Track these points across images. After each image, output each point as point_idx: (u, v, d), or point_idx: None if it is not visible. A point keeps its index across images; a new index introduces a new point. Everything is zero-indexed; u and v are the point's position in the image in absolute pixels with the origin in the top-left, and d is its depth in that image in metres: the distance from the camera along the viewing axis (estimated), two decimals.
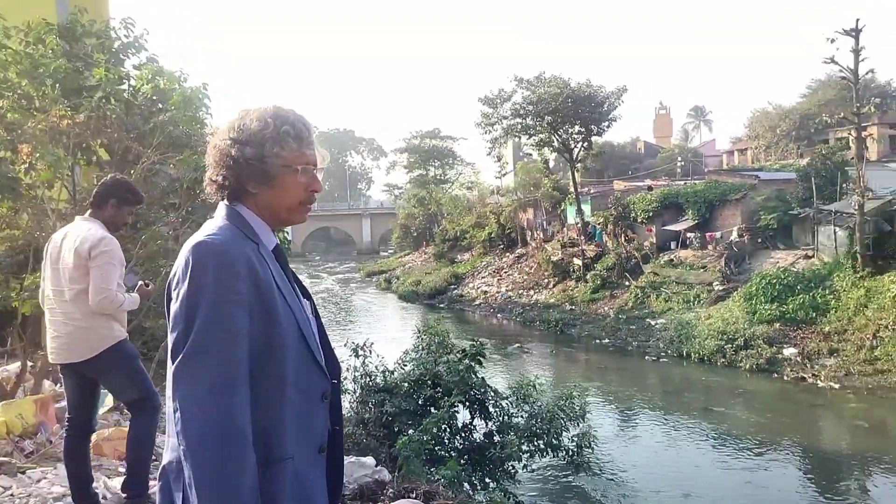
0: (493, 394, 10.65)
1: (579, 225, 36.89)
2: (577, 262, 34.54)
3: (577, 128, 37.02)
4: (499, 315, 34.83)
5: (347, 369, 10.74)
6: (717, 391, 20.24)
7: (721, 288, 26.58)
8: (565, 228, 40.18)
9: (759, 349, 21.71)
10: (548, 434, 10.55)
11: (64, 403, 6.59)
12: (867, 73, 25.46)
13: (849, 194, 25.13)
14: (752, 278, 25.23)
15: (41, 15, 8.15)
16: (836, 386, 19.19)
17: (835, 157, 28.51)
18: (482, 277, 42.09)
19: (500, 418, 10.55)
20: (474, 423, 10.48)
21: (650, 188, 36.18)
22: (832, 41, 23.21)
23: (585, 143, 37.83)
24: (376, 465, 5.82)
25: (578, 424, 11.28)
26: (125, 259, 4.21)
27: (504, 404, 10.72)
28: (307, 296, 1.92)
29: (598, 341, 27.10)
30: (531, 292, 35.96)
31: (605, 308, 30.10)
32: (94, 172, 7.69)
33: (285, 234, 14.21)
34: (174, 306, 1.66)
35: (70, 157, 6.87)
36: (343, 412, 2.06)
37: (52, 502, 4.59)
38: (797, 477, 14.07)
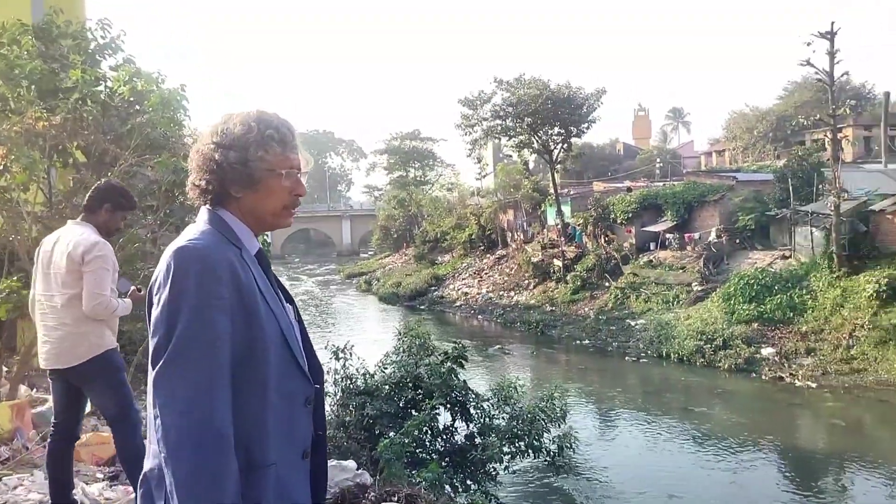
0: (474, 396, 10.64)
1: (559, 226, 36.98)
2: (558, 263, 34.66)
3: (556, 129, 37.21)
4: (479, 316, 34.83)
5: (328, 372, 10.64)
6: (697, 391, 20.39)
7: (700, 288, 26.77)
8: (545, 230, 40.29)
9: (738, 349, 21.90)
10: (529, 435, 10.56)
11: (41, 409, 6.53)
12: (842, 76, 25.83)
13: (825, 195, 25.40)
14: (731, 279, 25.47)
15: (16, 15, 8.06)
16: (814, 385, 19.39)
17: (811, 159, 28.80)
18: (463, 279, 42.10)
19: (482, 420, 10.52)
20: (455, 426, 10.46)
21: (629, 189, 36.35)
22: (808, 44, 23.52)
23: (565, 145, 38.03)
24: (357, 469, 5.80)
25: (559, 425, 11.32)
26: None
27: (485, 406, 10.71)
28: (290, 300, 1.91)
29: (578, 342, 27.15)
30: (512, 293, 36.03)
31: (586, 309, 30.19)
32: (71, 175, 7.60)
33: (265, 237, 14.11)
34: (155, 311, 1.64)
35: (46, 160, 6.79)
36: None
37: None
38: (777, 476, 14.19)
